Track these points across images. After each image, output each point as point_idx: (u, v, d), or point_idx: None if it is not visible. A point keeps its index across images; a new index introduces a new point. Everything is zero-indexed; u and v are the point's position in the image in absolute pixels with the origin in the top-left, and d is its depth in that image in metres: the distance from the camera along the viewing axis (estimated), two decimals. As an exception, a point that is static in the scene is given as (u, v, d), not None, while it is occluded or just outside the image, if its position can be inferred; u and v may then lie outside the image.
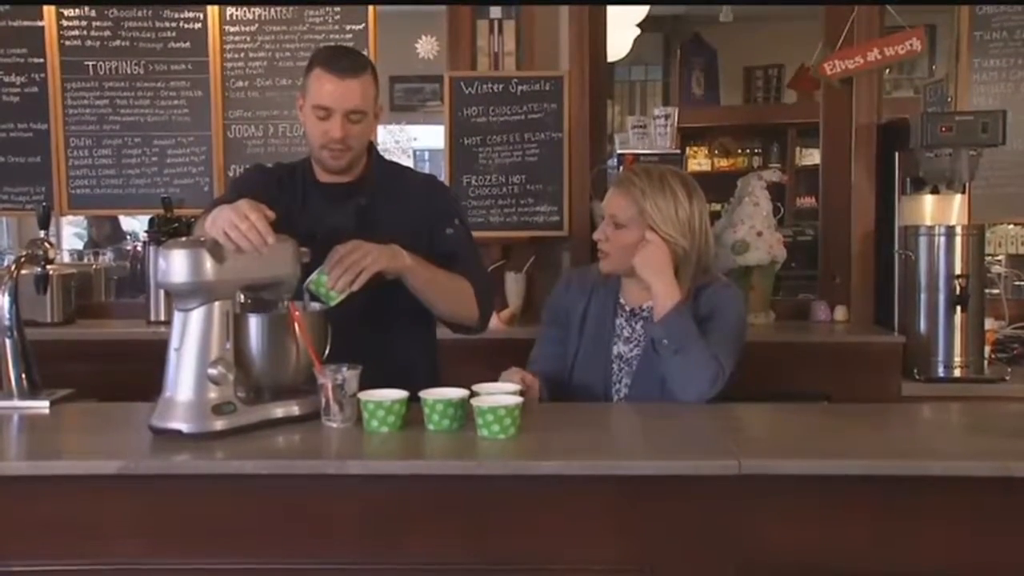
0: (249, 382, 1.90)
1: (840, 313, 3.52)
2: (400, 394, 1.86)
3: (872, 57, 3.45)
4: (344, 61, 2.15)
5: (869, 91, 3.51)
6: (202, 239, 1.84)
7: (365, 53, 3.55)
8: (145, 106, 3.74)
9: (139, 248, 4.38)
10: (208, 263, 1.78)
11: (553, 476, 1.67)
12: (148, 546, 1.72)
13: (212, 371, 1.79)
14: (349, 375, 1.86)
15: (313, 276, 1.97)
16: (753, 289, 3.39)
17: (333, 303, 1.97)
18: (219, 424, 1.80)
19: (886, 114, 3.56)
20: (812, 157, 6.06)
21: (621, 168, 3.54)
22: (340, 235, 2.05)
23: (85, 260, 4.89)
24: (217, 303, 1.81)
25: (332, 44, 2.66)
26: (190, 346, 1.80)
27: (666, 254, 2.16)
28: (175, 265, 1.78)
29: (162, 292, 3.56)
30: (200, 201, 3.64)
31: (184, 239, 1.90)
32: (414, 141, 6.70)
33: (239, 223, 1.79)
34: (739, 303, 2.25)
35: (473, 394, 1.88)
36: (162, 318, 3.56)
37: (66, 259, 4.94)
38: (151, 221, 3.67)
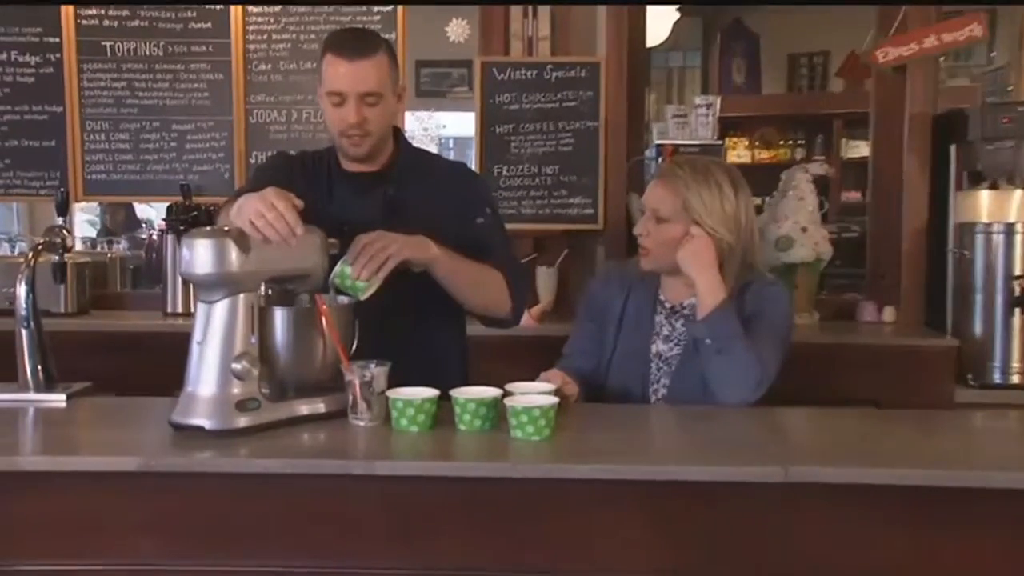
0: (274, 378, 1.92)
1: (888, 314, 3.50)
2: (430, 392, 1.87)
3: (929, 43, 3.42)
4: (354, 42, 2.15)
5: (924, 79, 3.48)
6: (226, 229, 1.86)
7: (392, 36, 3.57)
8: (164, 89, 3.77)
9: (155, 237, 4.42)
10: (234, 254, 1.79)
11: (589, 480, 1.68)
12: (167, 546, 1.74)
13: (236, 366, 1.81)
14: (377, 372, 1.88)
15: (337, 268, 1.98)
16: (797, 287, 3.38)
17: (362, 295, 1.98)
18: (243, 421, 1.81)
19: (941, 104, 3.53)
20: (859, 149, 6.02)
21: (660, 159, 3.54)
22: (367, 226, 2.06)
23: (99, 249, 4.94)
24: (242, 295, 1.82)
25: (345, 27, 2.67)
26: (214, 340, 1.82)
27: (711, 249, 2.16)
28: (199, 255, 1.79)
29: (180, 283, 3.60)
30: (220, 188, 3.67)
31: (208, 228, 1.91)
32: (443, 128, 6.70)
33: (266, 212, 1.81)
34: (786, 302, 2.25)
35: (506, 393, 1.89)
36: (179, 310, 3.60)
37: (79, 247, 4.99)
38: (169, 209, 3.70)
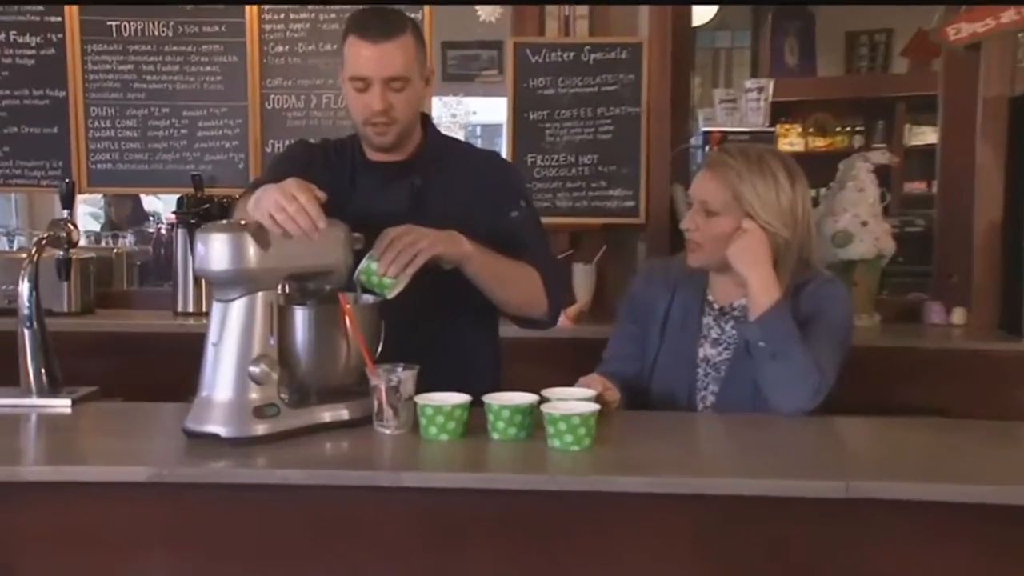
0: (294, 382, 1.94)
1: (958, 315, 3.47)
2: (462, 398, 1.88)
3: (1007, 19, 3.38)
4: (378, 23, 2.16)
5: (1001, 59, 3.43)
6: (244, 222, 1.88)
7: (418, 16, 3.59)
8: (174, 72, 3.81)
9: (164, 231, 4.47)
10: (252, 249, 1.81)
11: (632, 494, 1.68)
12: (180, 562, 1.76)
13: (254, 369, 1.83)
14: (405, 376, 1.89)
15: (362, 264, 2.00)
16: (856, 286, 3.37)
17: (389, 294, 1.99)
18: (261, 428, 1.83)
19: (1019, 86, 3.49)
20: (924, 136, 5.97)
21: (707, 148, 3.54)
22: (393, 219, 2.08)
23: (103, 244, 4.99)
24: (260, 294, 1.84)
25: (369, 7, 2.68)
26: (230, 341, 1.84)
27: (765, 245, 2.15)
28: (215, 251, 1.81)
29: (191, 280, 3.64)
30: (234, 179, 3.71)
31: (224, 222, 1.94)
32: (473, 115, 6.71)
33: (287, 205, 1.82)
34: (846, 302, 2.24)
35: (543, 400, 1.90)
36: (191, 309, 3.64)
37: (82, 242, 5.05)
38: (179, 201, 3.74)
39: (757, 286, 2.14)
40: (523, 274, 2.23)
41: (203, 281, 3.58)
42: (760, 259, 2.15)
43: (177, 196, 3.80)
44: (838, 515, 1.67)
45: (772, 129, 3.69)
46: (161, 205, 5.78)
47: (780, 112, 6.12)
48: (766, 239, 2.16)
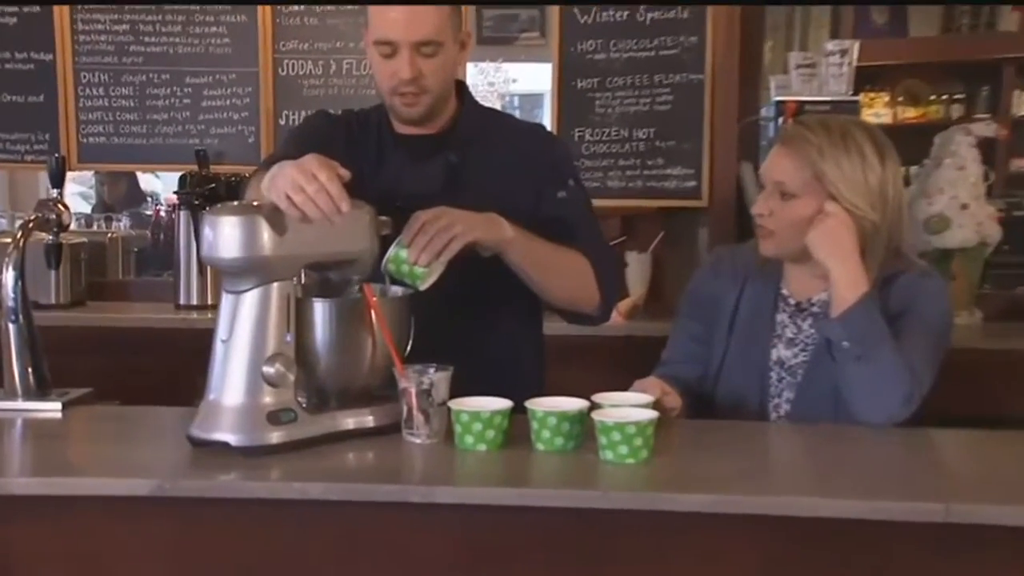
0: (313, 384, 1.95)
1: (1072, 313, 3.45)
2: (502, 404, 1.89)
3: None
4: None
5: None
6: (256, 204, 1.89)
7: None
8: (176, 34, 3.84)
9: (163, 213, 4.53)
10: (266, 234, 1.82)
11: (694, 514, 1.68)
12: (186, 584, 1.78)
13: (268, 369, 1.84)
14: (438, 378, 1.90)
15: (390, 251, 2.01)
16: (955, 279, 3.34)
17: (421, 285, 2.00)
18: (276, 436, 1.84)
19: None
20: (1036, 104, 5.91)
21: (780, 120, 3.52)
22: (425, 200, 2.09)
23: (95, 227, 5.05)
24: (276, 285, 1.85)
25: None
26: (241, 337, 1.85)
27: (850, 231, 2.14)
28: (225, 236, 1.82)
29: (194, 269, 3.67)
30: (243, 155, 3.74)
31: (235, 204, 1.95)
32: (513, 84, 6.70)
33: (306, 185, 1.83)
34: (943, 297, 2.22)
35: (594, 406, 1.91)
36: (194, 301, 3.68)
37: (71, 226, 5.09)
38: (181, 180, 3.77)
39: (841, 278, 2.13)
40: (571, 263, 2.23)
41: (209, 270, 3.62)
42: (844, 247, 2.14)
43: (179, 174, 3.83)
44: (934, 542, 1.66)
45: (856, 98, 3.67)
46: (160, 184, 5.84)
47: (865, 78, 6.06)
48: (851, 224, 2.15)
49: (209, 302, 3.65)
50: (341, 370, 1.96)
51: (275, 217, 1.84)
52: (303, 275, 2.01)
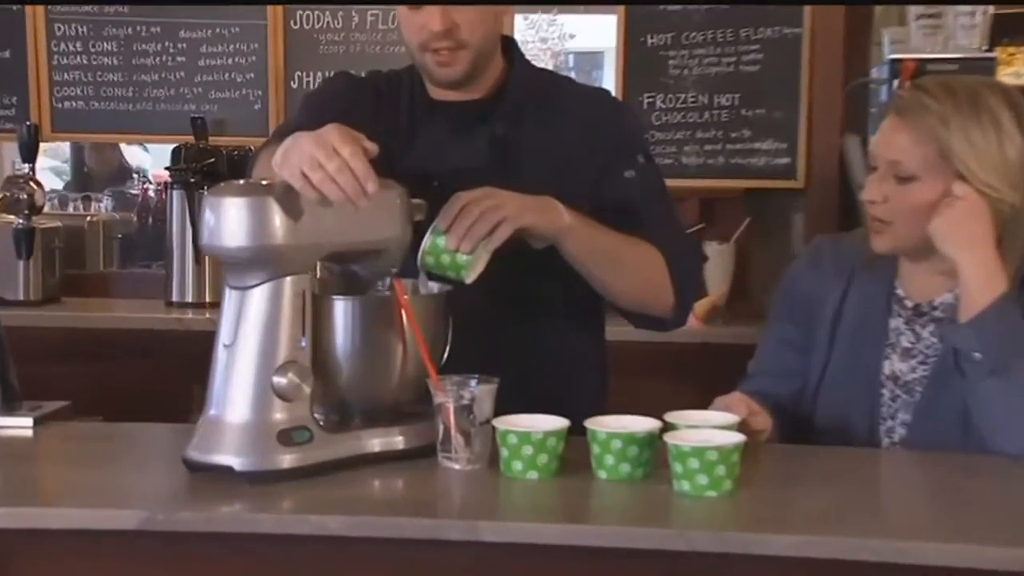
0: (333, 398, 1.97)
1: None
2: (557, 423, 1.89)
3: None
4: None
5: None
6: (266, 184, 1.90)
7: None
8: (168, -21, 3.86)
9: (152, 193, 4.55)
10: (278, 220, 1.83)
11: (787, 558, 1.67)
12: (181, 634, 1.80)
13: (280, 380, 1.85)
14: (480, 392, 1.90)
15: (426, 240, 2.01)
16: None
17: (465, 276, 2.00)
18: (288, 459, 1.85)
19: None
20: None
21: (896, 84, 3.49)
22: (466, 179, 2.09)
23: (71, 209, 5.09)
24: (289, 279, 1.86)
25: None
26: (248, 342, 1.86)
27: (985, 218, 2.12)
28: (230, 221, 1.83)
29: (189, 260, 3.70)
30: (248, 124, 3.76)
31: (242, 183, 1.96)
32: (570, 40, 6.70)
33: (325, 161, 1.82)
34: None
35: (667, 427, 1.90)
36: (190, 298, 3.71)
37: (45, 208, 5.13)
38: (175, 153, 3.79)
39: (973, 274, 2.11)
40: (641, 255, 2.23)
41: (208, 261, 3.64)
42: (977, 237, 2.11)
43: (172, 146, 3.85)
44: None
45: (992, 54, 3.64)
46: (149, 158, 5.88)
47: (1004, 30, 5.98)
48: (986, 209, 2.12)
49: (207, 299, 3.68)
50: (366, 381, 1.97)
51: (289, 199, 1.84)
52: (321, 268, 2.03)
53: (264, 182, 1.92)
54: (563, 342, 2.31)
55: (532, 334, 2.26)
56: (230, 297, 1.89)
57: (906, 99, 2.26)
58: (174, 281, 3.75)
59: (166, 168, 3.90)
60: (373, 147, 1.88)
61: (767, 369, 2.35)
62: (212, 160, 3.71)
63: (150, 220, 4.54)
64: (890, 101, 2.93)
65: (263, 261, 1.86)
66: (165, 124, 3.89)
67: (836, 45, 3.62)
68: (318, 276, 2.02)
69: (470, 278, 2.01)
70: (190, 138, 3.78)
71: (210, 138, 3.78)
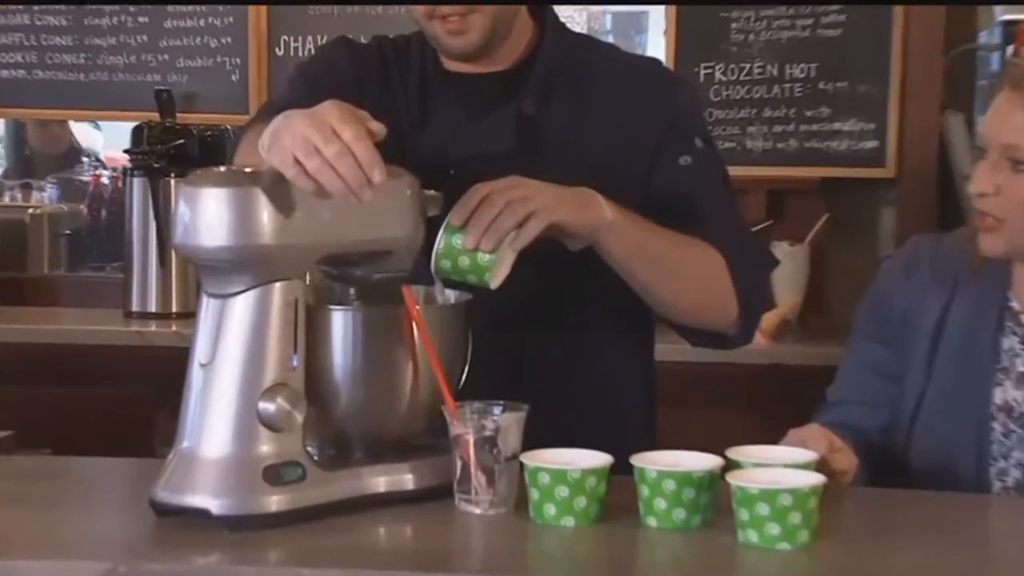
0: (330, 428, 1.98)
1: None
2: (598, 459, 1.89)
3: None
4: None
5: None
6: (250, 171, 1.90)
7: None
8: (128, -78, 3.89)
9: (106, 180, 4.56)
10: (266, 215, 1.83)
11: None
12: None
13: (267, 406, 1.86)
14: (507, 422, 1.91)
15: (440, 239, 2.02)
16: None
17: (492, 280, 2.00)
18: (276, 502, 1.86)
19: None
20: None
21: (1009, 50, 3.50)
22: (489, 166, 2.11)
23: (7, 199, 5.10)
24: (278, 286, 1.87)
25: None
26: (229, 361, 1.87)
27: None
28: (209, 216, 1.84)
29: (152, 262, 3.71)
30: (225, 99, 3.78)
31: (223, 171, 1.97)
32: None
33: (323, 145, 1.82)
34: None
35: (730, 465, 1.91)
36: (153, 308, 3.73)
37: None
38: (135, 133, 3.81)
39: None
40: (698, 258, 2.24)
41: (176, 263, 3.66)
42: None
43: (131, 125, 3.89)
44: None
45: None
46: (102, 139, 5.89)
47: None
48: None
49: (174, 309, 3.71)
50: (369, 408, 1.98)
51: (279, 190, 1.85)
52: (316, 273, 2.04)
53: (249, 170, 1.92)
54: (604, 362, 2.33)
55: (567, 352, 2.27)
56: (207, 307, 1.90)
57: (1023, 69, 2.27)
58: (134, 287, 3.76)
59: (124, 151, 3.92)
60: (380, 128, 1.88)
61: (851, 397, 2.37)
62: (180, 141, 3.73)
63: (103, 213, 4.54)
64: (1003, 72, 2.92)
65: (248, 264, 1.86)
66: (123, 98, 3.91)
67: (935, 8, 3.62)
68: (313, 282, 2.03)
69: (495, 282, 2.01)
70: (154, 115, 3.81)
71: (178, 115, 3.80)
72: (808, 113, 3.68)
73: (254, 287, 1.87)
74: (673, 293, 2.25)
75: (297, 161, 1.83)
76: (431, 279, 2.04)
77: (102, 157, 5.63)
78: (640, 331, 2.40)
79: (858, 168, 3.67)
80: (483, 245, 1.99)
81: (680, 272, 2.24)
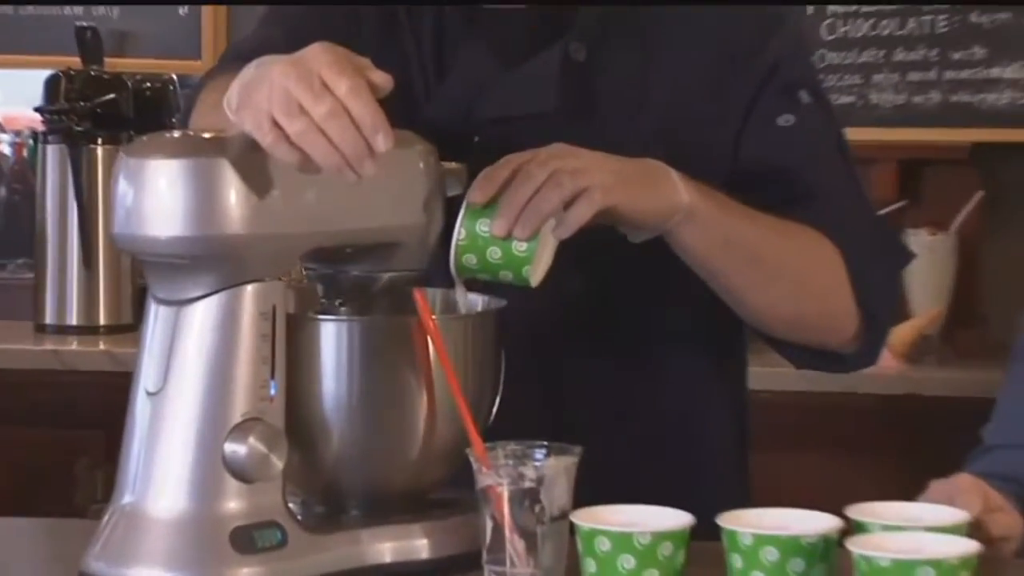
0: (318, 477, 2.03)
1: None
2: (674, 519, 1.92)
3: None
4: None
5: None
6: (213, 137, 1.94)
7: None
8: None
9: (8, 149, 4.60)
10: (234, 196, 1.87)
11: None
12: None
13: (235, 448, 1.89)
14: (552, 469, 1.93)
15: (461, 222, 2.03)
16: None
17: (532, 277, 2.02)
18: (248, 575, 1.88)
19: None
20: None
21: None
22: (527, 130, 2.15)
23: None
24: (250, 289, 1.90)
25: None
26: (185, 388, 1.90)
27: None
28: (160, 198, 1.87)
29: (74, 259, 3.75)
30: (170, 39, 3.83)
31: (178, 136, 2.02)
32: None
33: (311, 103, 1.81)
34: None
35: (852, 527, 1.93)
36: (72, 319, 3.77)
37: None
38: (49, 85, 3.84)
39: None
40: (805, 253, 2.27)
41: (101, 259, 3.69)
42: None
43: (45, 74, 3.94)
44: None
45: None
46: (1, 94, 5.95)
47: None
48: None
49: (101, 321, 3.77)
50: (370, 451, 2.01)
51: (251, 163, 1.87)
52: (301, 271, 2.09)
53: (211, 135, 1.94)
54: (678, 391, 2.35)
55: (629, 378, 2.30)
56: (157, 317, 1.93)
57: None
58: (48, 292, 3.82)
59: (35, 109, 3.96)
60: (385, 79, 1.86)
61: (1014, 440, 2.39)
62: (110, 96, 3.77)
63: (3, 192, 4.57)
64: None
65: (211, 260, 1.89)
66: (33, 38, 3.95)
67: None
68: (297, 283, 2.07)
69: (536, 278, 2.03)
70: (74, 60, 3.87)
71: (106, 60, 3.86)
72: (954, 56, 3.67)
73: (219, 291, 1.89)
74: (771, 300, 2.28)
75: (276, 124, 1.81)
76: (451, 280, 2.07)
77: (0, 117, 5.67)
78: (726, 350, 2.43)
79: (1020, 132, 3.68)
80: (517, 232, 1.99)
81: (781, 272, 2.26)
